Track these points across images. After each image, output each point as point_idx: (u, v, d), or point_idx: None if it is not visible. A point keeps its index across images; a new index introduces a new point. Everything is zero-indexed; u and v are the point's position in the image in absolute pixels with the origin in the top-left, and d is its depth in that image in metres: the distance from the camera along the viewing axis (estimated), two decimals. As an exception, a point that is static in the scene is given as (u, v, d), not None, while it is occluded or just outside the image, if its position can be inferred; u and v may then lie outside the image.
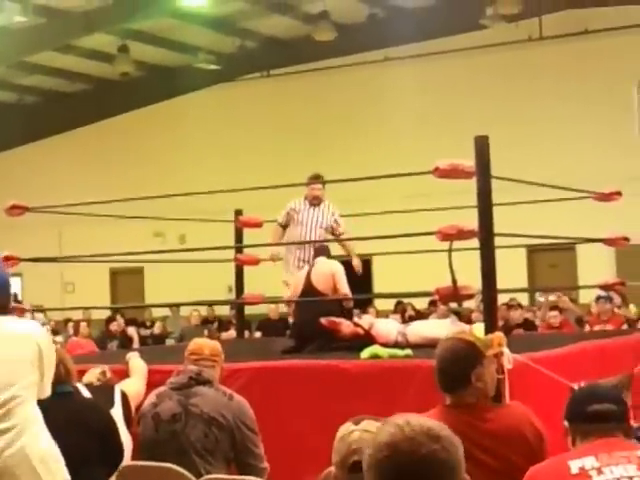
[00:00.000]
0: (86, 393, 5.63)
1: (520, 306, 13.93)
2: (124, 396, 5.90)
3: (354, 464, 2.98)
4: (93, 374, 6.15)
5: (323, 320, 7.48)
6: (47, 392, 4.69)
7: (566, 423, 3.56)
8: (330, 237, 9.13)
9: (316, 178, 9.19)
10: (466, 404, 4.08)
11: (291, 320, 9.38)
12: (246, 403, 5.49)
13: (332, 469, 3.15)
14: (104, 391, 5.89)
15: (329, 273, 8.02)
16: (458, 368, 4.14)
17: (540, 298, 16.69)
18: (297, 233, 9.22)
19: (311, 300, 7.94)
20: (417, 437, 2.22)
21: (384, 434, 2.25)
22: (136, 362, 6.61)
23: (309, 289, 7.98)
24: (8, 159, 23.96)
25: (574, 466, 3.24)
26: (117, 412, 5.68)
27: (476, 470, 3.36)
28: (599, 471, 3.20)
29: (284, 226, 9.35)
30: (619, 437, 3.42)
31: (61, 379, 5.21)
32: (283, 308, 14.81)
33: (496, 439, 3.98)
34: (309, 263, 8.71)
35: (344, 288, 8.03)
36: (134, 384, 6.26)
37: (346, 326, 7.55)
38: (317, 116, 21.45)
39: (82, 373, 6.12)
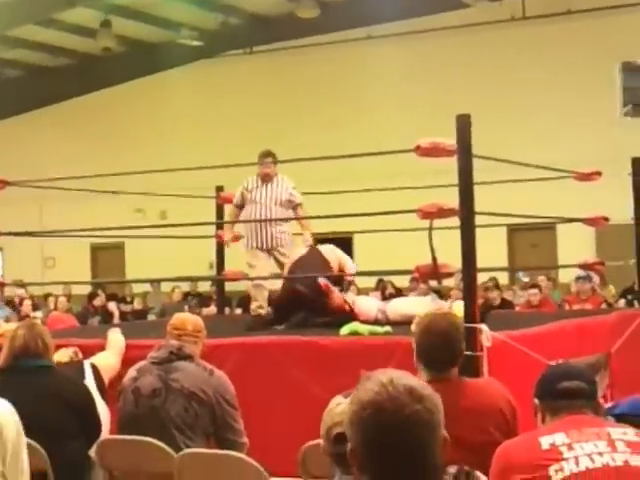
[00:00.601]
0: (56, 371, 5.65)
1: (497, 286, 13.95)
2: (94, 368, 5.96)
3: (337, 436, 3.00)
4: (65, 353, 6.16)
5: (321, 280, 7.60)
6: None
7: (536, 401, 3.58)
8: (290, 212, 8.87)
9: (266, 155, 8.98)
10: (445, 379, 4.10)
11: (254, 304, 9.22)
12: (227, 378, 5.50)
13: (321, 441, 3.18)
14: (73, 367, 5.93)
15: (335, 257, 8.35)
16: (459, 344, 4.19)
17: (524, 278, 16.74)
18: (250, 212, 8.90)
19: (291, 277, 7.99)
20: (401, 397, 2.24)
21: (368, 392, 2.27)
22: (114, 337, 6.64)
23: (315, 252, 8.25)
24: (-10, 133, 23.85)
25: (545, 442, 3.26)
26: (90, 384, 5.72)
27: (456, 446, 3.39)
28: (569, 447, 3.22)
29: (239, 206, 9.07)
30: (588, 414, 3.44)
31: (39, 353, 5.23)
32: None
33: (474, 414, 4.01)
34: (263, 242, 8.70)
35: (350, 262, 8.51)
36: (107, 357, 6.30)
37: (337, 296, 7.66)
38: (299, 93, 21.38)
39: (61, 348, 6.15)
